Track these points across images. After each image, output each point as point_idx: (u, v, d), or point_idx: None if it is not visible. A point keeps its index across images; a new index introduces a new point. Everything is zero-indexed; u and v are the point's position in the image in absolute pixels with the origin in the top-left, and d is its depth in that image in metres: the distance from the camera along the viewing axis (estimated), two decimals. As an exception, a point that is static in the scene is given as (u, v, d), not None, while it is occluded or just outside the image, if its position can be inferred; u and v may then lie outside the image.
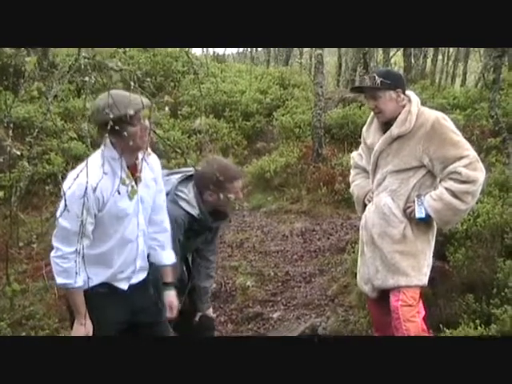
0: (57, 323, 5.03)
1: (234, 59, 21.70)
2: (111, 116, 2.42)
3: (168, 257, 3.37)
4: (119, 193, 2.80)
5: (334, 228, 7.22)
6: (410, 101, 3.72)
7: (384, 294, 3.80)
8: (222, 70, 14.00)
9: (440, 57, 17.95)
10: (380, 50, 16.39)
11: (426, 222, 3.70)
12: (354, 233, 6.18)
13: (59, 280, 2.97)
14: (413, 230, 3.71)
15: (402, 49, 14.28)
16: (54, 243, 2.95)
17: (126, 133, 2.76)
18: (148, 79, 2.49)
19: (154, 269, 3.34)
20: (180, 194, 3.58)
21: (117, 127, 2.59)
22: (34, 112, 9.39)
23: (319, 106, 8.88)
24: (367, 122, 4.01)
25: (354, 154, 4.20)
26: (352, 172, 4.19)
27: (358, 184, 4.08)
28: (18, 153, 2.76)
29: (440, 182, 3.67)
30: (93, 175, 2.59)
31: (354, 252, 5.19)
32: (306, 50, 18.56)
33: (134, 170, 3.02)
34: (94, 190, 2.72)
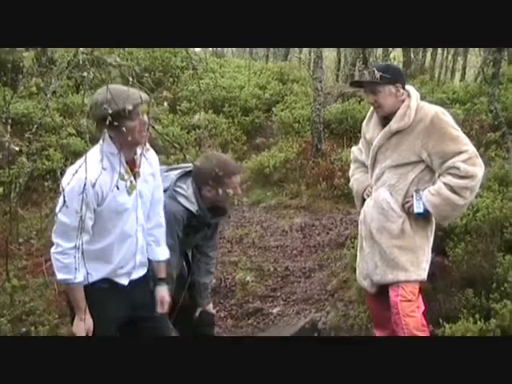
0: (57, 319, 5.03)
1: (233, 54, 21.64)
2: (110, 111, 2.42)
3: (162, 253, 3.38)
4: (118, 188, 2.80)
5: (334, 223, 7.22)
6: (409, 95, 3.71)
7: (383, 289, 3.80)
8: (221, 65, 13.96)
9: (439, 51, 17.91)
10: (379, 45, 16.34)
11: (425, 216, 3.70)
12: (354, 228, 6.16)
13: (60, 276, 2.97)
14: (411, 225, 3.71)
15: (401, 43, 14.21)
16: (54, 239, 2.95)
17: (124, 128, 2.76)
18: (146, 74, 2.49)
19: None
20: (179, 189, 3.58)
21: (115, 122, 2.59)
22: (33, 108, 9.37)
23: (318, 101, 8.87)
24: (367, 117, 4.00)
25: (354, 149, 4.20)
26: (352, 166, 4.19)
27: (357, 178, 4.08)
28: (17, 148, 2.76)
29: (439, 177, 3.67)
30: (92, 170, 2.59)
31: (353, 247, 5.19)
32: (305, 45, 18.52)
33: (132, 165, 3.02)
34: (93, 185, 2.72)
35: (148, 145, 3.01)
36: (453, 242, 4.64)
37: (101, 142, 2.95)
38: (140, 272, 3.26)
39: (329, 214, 7.51)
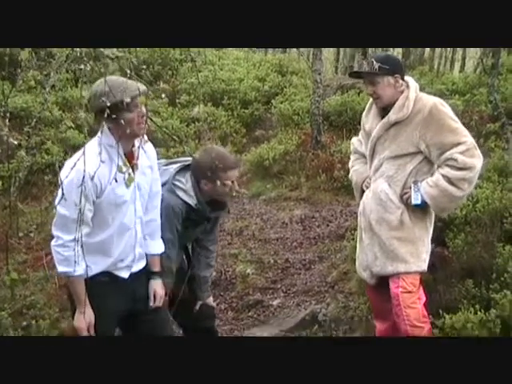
0: (57, 313, 5.04)
1: (232, 47, 21.60)
2: (108, 104, 2.42)
3: (157, 246, 3.38)
4: (116, 181, 2.80)
5: (334, 215, 7.22)
6: (408, 86, 3.70)
7: (383, 281, 3.80)
8: (220, 57, 13.93)
9: (439, 42, 17.86)
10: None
11: (424, 208, 3.70)
12: (354, 219, 6.16)
13: (60, 268, 2.98)
14: (410, 216, 3.71)
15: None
16: (54, 232, 2.96)
17: (123, 120, 2.76)
18: (144, 66, 2.49)
19: None
20: (177, 183, 3.57)
21: (113, 114, 2.59)
22: (32, 102, 9.37)
23: (318, 93, 8.85)
24: (366, 108, 4.00)
25: (354, 140, 4.19)
26: (351, 157, 4.19)
27: (356, 170, 4.07)
28: (16, 142, 2.76)
29: (437, 168, 3.66)
30: (90, 163, 2.59)
31: (353, 239, 5.19)
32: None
33: (130, 158, 3.02)
34: (92, 177, 2.72)
35: (146, 137, 3.02)
36: (453, 232, 4.64)
37: (99, 134, 2.95)
38: (140, 265, 3.26)
39: (329, 206, 7.52)
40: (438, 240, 4.44)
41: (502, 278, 4.06)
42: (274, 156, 8.68)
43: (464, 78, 11.59)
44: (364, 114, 4.02)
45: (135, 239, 3.18)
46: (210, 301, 4.13)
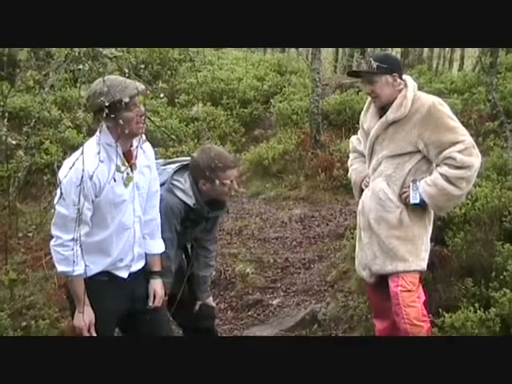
0: (57, 313, 5.03)
1: (231, 46, 21.61)
2: (106, 103, 2.42)
3: (157, 246, 3.37)
4: (115, 180, 2.80)
5: (333, 214, 7.23)
6: (406, 85, 3.70)
7: (382, 280, 3.80)
8: (219, 57, 13.94)
9: (437, 41, 17.88)
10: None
11: (423, 206, 3.69)
12: (353, 218, 6.15)
13: (60, 268, 2.97)
14: (409, 215, 3.70)
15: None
16: (54, 232, 2.96)
17: (121, 119, 2.76)
18: (143, 66, 2.49)
19: None
20: (176, 183, 3.57)
21: (112, 114, 2.59)
22: (31, 102, 9.37)
23: (316, 92, 8.86)
24: (365, 107, 3.99)
25: (353, 139, 4.19)
26: (350, 156, 4.19)
27: (355, 169, 4.07)
28: (14, 142, 2.76)
29: (435, 167, 3.66)
30: (89, 162, 2.59)
31: (352, 238, 5.20)
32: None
33: (129, 157, 3.02)
34: (91, 177, 2.72)
35: (144, 136, 3.02)
36: (452, 231, 4.64)
37: (97, 133, 2.95)
38: (139, 265, 3.26)
39: (328, 205, 7.53)
40: (437, 239, 4.44)
41: (502, 277, 4.06)
42: (273, 155, 8.69)
43: (463, 76, 11.62)
44: (362, 113, 4.02)
45: (134, 239, 3.18)
46: (210, 301, 4.13)
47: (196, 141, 9.55)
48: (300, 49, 12.02)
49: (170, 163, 3.74)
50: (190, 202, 3.55)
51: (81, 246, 2.65)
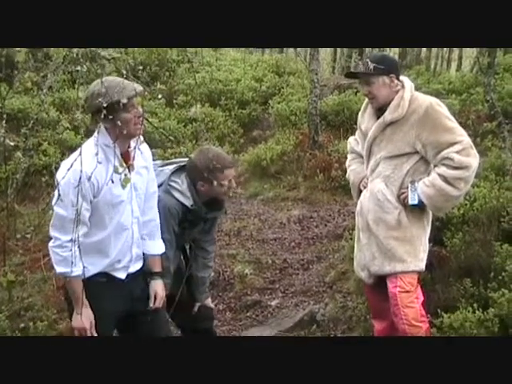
0: (55, 314, 5.02)
1: (229, 47, 21.60)
2: (104, 105, 2.42)
3: (157, 246, 3.37)
4: (113, 182, 2.80)
5: (332, 215, 7.23)
6: (403, 86, 3.70)
7: (381, 280, 3.80)
8: (217, 58, 13.96)
9: (435, 42, 17.89)
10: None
11: (421, 207, 3.70)
12: (352, 219, 6.16)
13: (59, 269, 2.97)
14: (408, 215, 3.70)
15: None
16: (52, 233, 2.96)
17: (119, 120, 2.76)
18: (141, 67, 2.49)
19: None
20: (173, 184, 3.57)
21: (110, 115, 2.59)
22: (29, 103, 9.37)
23: (315, 93, 8.86)
24: (362, 108, 4.00)
25: (351, 139, 4.19)
26: (349, 157, 4.19)
27: (353, 169, 4.07)
28: (12, 144, 2.76)
29: (433, 167, 3.66)
30: (87, 163, 2.59)
31: (351, 238, 5.20)
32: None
33: (126, 158, 3.02)
34: (89, 178, 2.72)
35: (142, 138, 3.02)
36: (450, 231, 4.64)
37: (95, 134, 2.95)
38: (137, 266, 3.26)
39: (326, 206, 7.53)
40: (435, 239, 4.44)
41: (500, 277, 4.07)
42: (271, 156, 8.69)
43: (461, 77, 11.64)
44: (360, 113, 4.02)
45: (132, 239, 3.18)
46: (209, 302, 4.13)
47: (194, 142, 9.55)
48: (298, 50, 12.05)
49: (167, 164, 3.74)
50: (188, 203, 3.54)
51: (79, 247, 2.64)
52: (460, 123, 3.69)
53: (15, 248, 6.39)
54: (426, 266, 3.82)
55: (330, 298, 5.26)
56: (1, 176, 7.03)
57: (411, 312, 3.65)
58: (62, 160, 6.25)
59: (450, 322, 3.76)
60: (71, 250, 2.79)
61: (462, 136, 3.56)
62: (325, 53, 18.04)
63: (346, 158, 4.26)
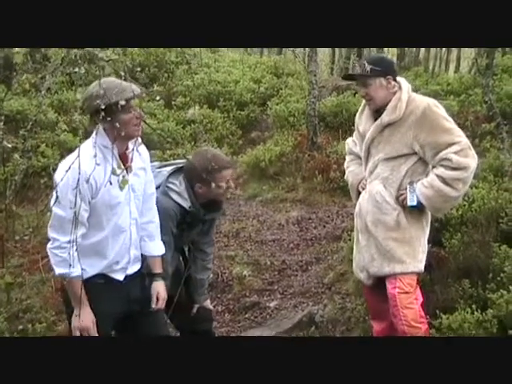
0: (54, 316, 5.02)
1: (228, 49, 21.61)
2: (102, 106, 2.42)
3: (157, 247, 3.37)
4: (111, 183, 2.80)
5: (330, 216, 7.23)
6: (400, 88, 3.70)
7: (380, 282, 3.80)
8: (216, 60, 13.96)
9: (433, 43, 17.92)
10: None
11: (420, 208, 3.70)
12: (350, 220, 6.17)
13: (59, 270, 2.97)
14: (406, 217, 3.70)
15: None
16: (51, 234, 2.95)
17: (118, 122, 2.75)
18: (139, 69, 2.50)
19: None
20: (171, 186, 3.56)
21: (108, 116, 2.59)
22: (28, 105, 9.36)
23: (313, 94, 8.86)
24: (359, 109, 4.00)
25: (349, 141, 4.19)
26: (347, 158, 4.19)
27: (352, 171, 4.07)
28: (9, 145, 2.76)
29: (432, 168, 3.66)
30: (85, 164, 2.59)
31: (350, 240, 5.20)
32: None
33: (124, 159, 3.02)
34: (87, 180, 2.72)
35: (140, 139, 3.02)
36: (449, 232, 4.65)
37: (94, 135, 2.95)
38: (135, 267, 3.26)
39: (325, 207, 7.53)
40: (434, 240, 4.44)
41: (499, 278, 4.07)
42: (270, 157, 8.69)
43: (459, 78, 11.65)
44: (357, 115, 4.02)
45: (130, 241, 3.17)
46: (208, 303, 4.12)
47: (193, 143, 9.55)
48: (297, 51, 12.03)
49: (164, 166, 3.73)
50: (186, 204, 3.54)
51: (77, 249, 2.64)
52: (458, 124, 3.70)
53: (14, 250, 6.39)
54: (425, 267, 3.82)
55: (329, 299, 5.25)
56: (-1, 177, 7.03)
57: (410, 313, 3.65)
58: (60, 162, 6.25)
59: (449, 323, 3.77)
60: (70, 250, 2.79)
61: (460, 137, 3.57)
62: (323, 54, 18.05)
63: (345, 159, 4.27)
